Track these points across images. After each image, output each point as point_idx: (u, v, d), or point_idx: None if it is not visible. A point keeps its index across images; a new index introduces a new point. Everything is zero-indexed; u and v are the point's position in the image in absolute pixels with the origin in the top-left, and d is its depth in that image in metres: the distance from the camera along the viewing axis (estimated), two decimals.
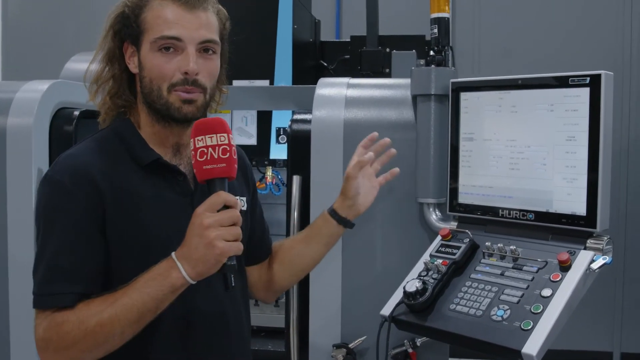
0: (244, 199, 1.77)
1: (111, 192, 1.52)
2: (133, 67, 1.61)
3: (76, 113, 2.42)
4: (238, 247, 1.43)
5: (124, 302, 1.42)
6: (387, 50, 3.13)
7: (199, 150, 1.46)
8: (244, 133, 2.77)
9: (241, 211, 1.62)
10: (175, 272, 1.42)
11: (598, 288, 4.16)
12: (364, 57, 3.11)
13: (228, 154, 1.47)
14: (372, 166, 1.84)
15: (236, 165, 1.51)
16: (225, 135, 1.48)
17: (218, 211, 1.43)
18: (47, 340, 1.46)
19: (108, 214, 1.51)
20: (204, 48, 1.59)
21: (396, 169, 1.84)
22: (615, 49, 4.74)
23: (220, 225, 1.41)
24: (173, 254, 1.44)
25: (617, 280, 4.68)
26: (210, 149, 1.46)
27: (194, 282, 1.43)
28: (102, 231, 1.52)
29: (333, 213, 1.81)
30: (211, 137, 1.46)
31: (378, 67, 3.10)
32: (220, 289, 1.59)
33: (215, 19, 1.64)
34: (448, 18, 2.14)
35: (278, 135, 2.77)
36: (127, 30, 1.60)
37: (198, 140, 1.47)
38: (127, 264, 1.53)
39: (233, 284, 1.49)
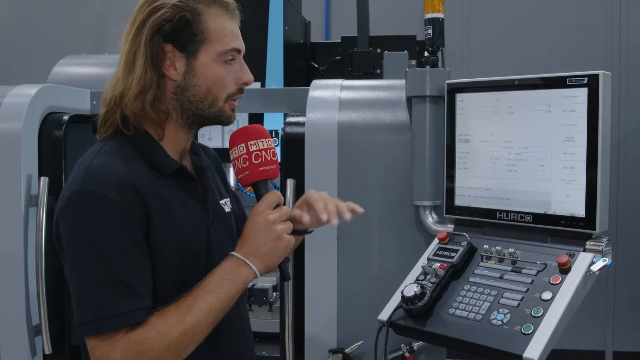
0: (228, 200, 1.79)
1: (152, 201, 1.49)
2: (174, 74, 1.56)
3: (66, 118, 2.38)
4: (294, 240, 1.55)
5: (201, 306, 1.44)
6: (378, 50, 3.11)
7: (254, 153, 1.56)
8: None
9: (228, 213, 1.73)
10: (245, 269, 1.48)
11: (590, 287, 4.15)
12: (355, 58, 3.09)
13: (276, 156, 1.60)
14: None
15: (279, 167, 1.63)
16: (271, 140, 1.60)
17: (273, 208, 1.53)
18: None
19: (152, 223, 1.49)
20: None
21: (360, 210, 1.77)
22: (604, 49, 4.76)
23: (281, 220, 1.52)
24: (235, 253, 1.50)
25: (609, 279, 4.69)
26: (263, 152, 1.56)
27: (259, 276, 1.51)
28: (146, 240, 1.48)
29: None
30: (262, 141, 1.58)
31: (369, 68, 3.08)
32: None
33: None
34: (442, 18, 2.13)
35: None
36: (182, 35, 1.54)
37: (251, 144, 1.56)
38: (165, 273, 1.51)
39: (289, 275, 1.61)
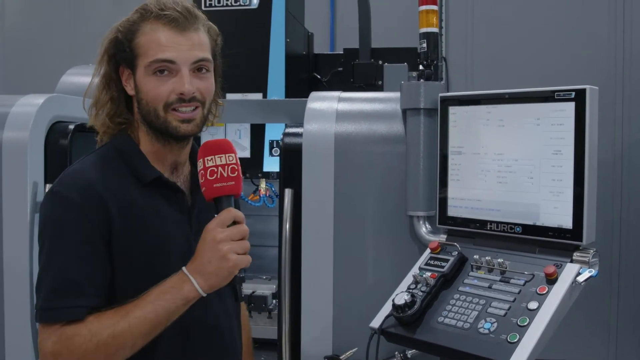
0: None
1: (117, 207, 1.56)
2: (130, 90, 1.66)
3: (71, 127, 2.45)
4: (248, 260, 1.52)
5: (136, 314, 1.47)
6: (380, 62, 3.16)
7: (209, 169, 1.55)
8: (238, 146, 2.79)
9: None
10: (188, 285, 1.49)
11: (592, 298, 4.17)
12: (357, 69, 3.14)
13: (236, 172, 1.56)
14: None
15: (241, 184, 1.59)
16: (233, 155, 1.57)
17: (228, 226, 1.51)
18: (56, 355, 1.48)
19: (114, 229, 1.55)
20: (198, 67, 1.64)
21: None
22: (607, 60, 4.77)
23: (231, 240, 1.50)
24: (184, 268, 1.51)
25: (612, 290, 4.69)
26: (220, 168, 1.55)
27: (204, 295, 1.50)
28: (108, 246, 1.55)
29: None
30: (220, 157, 1.55)
31: (370, 80, 3.12)
32: (216, 304, 1.66)
33: (207, 38, 1.68)
34: (436, 33, 2.17)
35: (271, 148, 2.79)
36: (121, 55, 1.64)
37: (208, 159, 1.55)
38: (129, 279, 1.57)
39: (242, 296, 1.59)
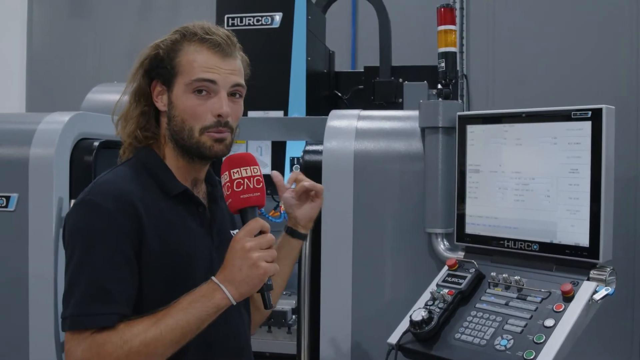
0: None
1: (148, 218, 1.59)
2: (161, 106, 1.71)
3: (96, 144, 2.50)
4: (276, 267, 1.57)
5: (168, 322, 1.50)
6: (400, 80, 3.19)
7: (236, 181, 1.60)
8: (259, 163, 2.82)
9: None
10: (219, 293, 1.53)
11: (613, 316, 4.14)
12: (377, 87, 3.17)
13: (261, 184, 1.62)
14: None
15: (265, 195, 1.65)
16: (257, 167, 1.63)
17: (255, 236, 1.57)
18: None
19: (145, 239, 1.58)
20: (233, 92, 1.70)
21: (320, 186, 1.91)
22: (628, 78, 4.75)
23: (260, 248, 1.54)
24: (214, 277, 1.55)
25: (636, 308, 4.64)
26: (246, 179, 1.60)
27: (235, 303, 1.54)
28: (138, 255, 1.58)
29: (285, 228, 1.94)
30: (246, 169, 1.61)
31: (391, 98, 3.15)
32: (236, 316, 1.68)
33: (242, 66, 1.75)
34: (455, 52, 2.20)
35: (292, 164, 2.82)
36: (159, 71, 1.69)
37: (234, 172, 1.61)
38: (155, 289, 1.60)
39: (272, 303, 1.63)
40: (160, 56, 1.69)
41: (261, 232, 1.58)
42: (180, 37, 1.70)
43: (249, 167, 1.62)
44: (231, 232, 1.81)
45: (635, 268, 4.55)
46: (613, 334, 4.50)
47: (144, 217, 1.58)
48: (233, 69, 1.70)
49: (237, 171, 1.61)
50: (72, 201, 2.38)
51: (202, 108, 1.66)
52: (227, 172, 1.61)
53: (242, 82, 1.73)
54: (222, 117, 1.66)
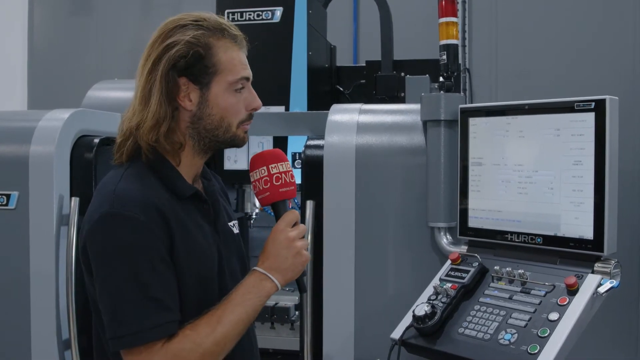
0: (236, 222, 1.89)
1: (174, 221, 1.59)
2: (189, 105, 1.64)
3: (96, 141, 2.49)
4: (310, 256, 1.72)
5: (230, 318, 1.56)
6: (402, 74, 3.17)
7: (274, 175, 1.68)
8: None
9: (237, 234, 1.85)
10: (268, 282, 1.62)
11: (618, 309, 4.12)
12: (379, 81, 3.15)
13: (294, 178, 1.72)
14: None
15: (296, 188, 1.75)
16: (289, 163, 1.72)
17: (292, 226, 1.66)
18: None
19: (175, 243, 1.58)
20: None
21: None
22: (633, 69, 4.73)
23: (300, 238, 1.66)
24: (258, 267, 1.63)
25: (639, 302, 4.62)
26: (283, 174, 1.69)
27: (280, 289, 1.64)
28: (171, 260, 1.58)
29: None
30: (282, 165, 1.70)
31: (393, 92, 3.13)
32: None
33: None
34: (457, 45, 2.18)
35: (294, 160, 2.81)
36: (194, 69, 1.63)
37: (272, 167, 1.69)
38: (189, 289, 1.61)
39: (306, 287, 1.77)
40: (200, 54, 1.62)
41: (295, 223, 1.68)
42: (207, 32, 1.65)
43: (283, 163, 1.71)
44: (229, 224, 1.82)
45: None
46: (618, 327, 4.49)
47: (171, 222, 1.58)
48: (248, 63, 1.74)
49: (275, 166, 1.69)
50: (74, 199, 2.38)
51: (240, 104, 1.69)
52: (264, 167, 1.68)
53: None
54: (257, 109, 1.73)
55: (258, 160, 1.70)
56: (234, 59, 1.67)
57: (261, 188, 1.69)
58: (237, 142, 1.73)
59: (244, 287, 1.60)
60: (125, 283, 1.51)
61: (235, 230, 1.86)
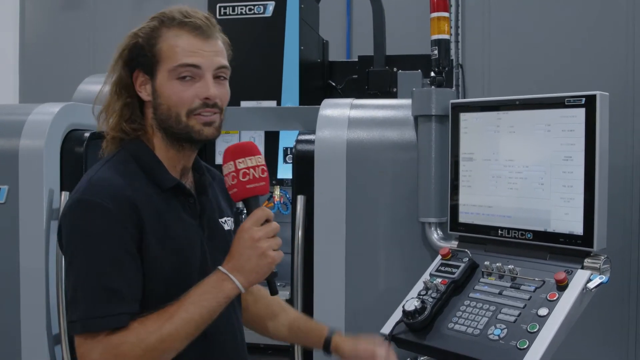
0: (231, 219, 1.85)
1: (146, 214, 1.57)
2: (145, 96, 1.65)
3: (86, 135, 2.48)
4: (281, 255, 1.57)
5: (182, 316, 1.49)
6: (395, 69, 3.16)
7: (241, 171, 1.59)
8: None
9: (227, 231, 1.78)
10: (229, 283, 1.53)
11: (610, 305, 4.13)
12: (371, 77, 3.14)
13: (265, 173, 1.62)
14: None
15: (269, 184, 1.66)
16: (261, 157, 1.62)
17: (261, 225, 1.56)
18: None
19: (145, 235, 1.56)
20: (218, 75, 1.66)
21: None
22: (625, 66, 4.74)
23: (268, 237, 1.55)
24: (221, 267, 1.55)
25: (631, 297, 4.63)
26: (251, 169, 1.59)
27: (244, 291, 1.55)
28: (140, 252, 1.56)
29: (327, 344, 1.88)
30: (251, 159, 1.60)
31: (385, 87, 3.12)
32: (230, 307, 1.67)
33: (224, 47, 1.70)
34: (448, 40, 2.18)
35: (285, 155, 2.80)
36: (140, 60, 1.64)
37: (239, 162, 1.59)
38: (159, 283, 1.58)
39: (277, 289, 1.64)
40: (140, 45, 1.64)
41: (266, 221, 1.57)
42: (158, 24, 1.64)
43: (253, 157, 1.61)
44: (220, 220, 1.80)
45: (632, 257, 4.55)
46: (609, 324, 4.50)
47: (142, 213, 1.56)
48: (216, 50, 1.65)
49: (243, 161, 1.60)
50: (64, 194, 2.37)
51: (188, 93, 1.62)
52: (232, 162, 1.60)
53: (226, 63, 1.69)
54: (210, 99, 1.63)
55: (228, 154, 1.63)
56: (178, 46, 1.61)
57: (229, 184, 1.62)
58: (193, 135, 1.65)
59: (203, 286, 1.54)
60: (84, 269, 1.51)
61: (227, 227, 1.82)
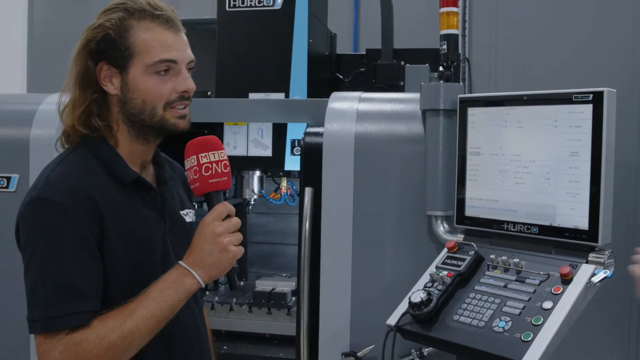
0: (192, 211, 1.86)
1: (106, 210, 1.57)
2: (112, 89, 1.64)
3: None
4: (242, 250, 1.59)
5: (142, 313, 1.50)
6: (402, 63, 3.17)
7: (204, 165, 1.61)
8: (260, 145, 2.82)
9: (189, 223, 1.80)
10: (189, 278, 1.54)
11: (613, 302, 4.14)
12: (379, 70, 3.15)
13: (228, 168, 1.64)
14: None
15: (231, 179, 1.66)
16: (223, 151, 1.64)
17: (223, 220, 1.58)
18: None
19: (105, 231, 1.56)
20: (189, 67, 1.68)
21: None
22: (632, 62, 4.74)
23: (229, 232, 1.56)
24: (181, 262, 1.55)
25: (632, 294, 4.65)
26: (214, 164, 1.61)
27: (204, 286, 1.57)
28: (100, 248, 1.56)
29: None
30: (214, 154, 1.62)
31: (392, 80, 3.13)
32: (191, 300, 1.69)
33: None
34: (457, 34, 2.19)
35: (293, 147, 2.82)
36: (109, 53, 1.62)
37: (202, 156, 1.61)
38: (121, 279, 1.59)
39: (237, 284, 1.65)
40: (111, 37, 1.61)
41: (228, 216, 1.59)
42: (126, 15, 1.63)
43: (216, 152, 1.63)
44: (180, 212, 1.80)
45: (633, 253, 4.56)
46: (612, 320, 4.52)
47: (102, 209, 1.56)
48: (186, 44, 1.68)
49: (206, 155, 1.62)
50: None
51: (166, 87, 1.64)
52: (194, 156, 1.62)
53: (193, 56, 1.71)
54: (188, 92, 1.66)
55: (190, 149, 1.65)
56: (155, 40, 1.62)
57: (191, 178, 1.64)
58: (168, 127, 1.67)
59: (163, 281, 1.55)
60: (43, 268, 1.50)
61: (188, 219, 1.83)
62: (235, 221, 1.60)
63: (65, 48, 1.83)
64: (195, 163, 1.61)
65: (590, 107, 1.77)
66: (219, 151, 1.64)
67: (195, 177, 1.62)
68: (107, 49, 1.61)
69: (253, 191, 3.00)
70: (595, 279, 1.71)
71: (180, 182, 1.89)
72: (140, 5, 1.63)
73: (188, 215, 1.84)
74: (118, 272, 1.58)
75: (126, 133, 1.67)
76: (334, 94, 2.39)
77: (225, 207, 1.60)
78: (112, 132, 1.67)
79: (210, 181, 1.62)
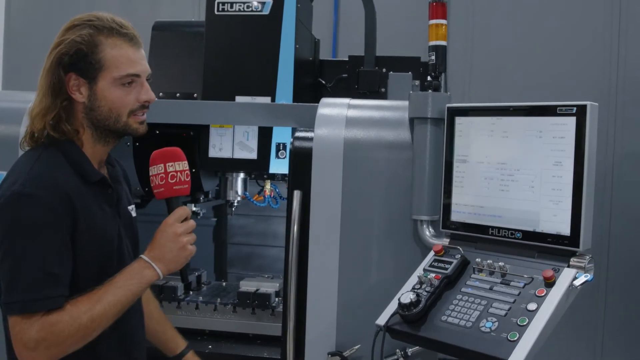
0: (133, 206, 2.07)
1: (78, 205, 1.75)
2: (80, 97, 1.83)
3: None
4: (195, 249, 1.88)
5: (109, 299, 1.72)
6: (384, 70, 3.24)
7: (170, 173, 1.89)
8: (245, 147, 2.87)
9: (134, 218, 2.04)
10: (150, 271, 1.80)
11: (581, 304, 4.26)
12: (361, 76, 3.21)
13: (189, 177, 1.92)
14: None
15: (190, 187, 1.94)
16: (186, 162, 1.94)
17: (182, 222, 1.85)
18: (39, 341, 1.65)
19: (77, 224, 1.75)
20: (147, 78, 1.91)
21: None
22: (602, 75, 4.88)
23: (187, 233, 1.86)
24: (144, 256, 1.81)
25: (600, 297, 4.80)
26: (179, 173, 1.89)
27: (162, 277, 1.81)
28: (72, 240, 1.75)
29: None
30: (179, 164, 1.91)
31: (374, 87, 3.19)
32: (138, 307, 2.01)
33: None
34: (445, 46, 2.27)
35: (278, 150, 2.86)
36: (80, 65, 1.81)
37: (169, 165, 1.89)
38: (88, 268, 1.79)
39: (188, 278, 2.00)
40: (83, 52, 1.80)
41: (185, 219, 1.85)
42: (95, 31, 1.82)
43: (181, 162, 1.91)
44: (128, 208, 2.01)
45: (607, 257, 4.72)
46: (581, 321, 4.67)
47: (76, 205, 1.74)
48: (145, 59, 1.90)
49: (172, 165, 1.89)
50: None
51: (130, 97, 1.85)
52: (161, 165, 1.88)
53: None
54: (150, 101, 1.89)
55: (157, 157, 1.90)
56: (122, 56, 1.83)
57: (157, 183, 1.89)
58: (131, 132, 1.89)
59: (128, 272, 1.79)
60: (26, 256, 1.68)
61: (133, 214, 2.04)
62: (192, 223, 1.87)
63: (41, 45, 1.92)
64: (162, 171, 1.88)
65: (573, 119, 1.86)
66: (183, 162, 1.92)
67: (161, 182, 1.89)
68: (79, 61, 1.81)
69: (237, 192, 3.04)
70: (577, 282, 1.80)
71: (124, 179, 2.10)
72: (107, 23, 1.84)
73: (133, 211, 2.05)
74: (87, 262, 1.78)
75: (90, 136, 1.88)
76: (324, 100, 2.44)
77: (185, 210, 1.88)
78: (78, 135, 1.86)
79: (174, 187, 1.89)
